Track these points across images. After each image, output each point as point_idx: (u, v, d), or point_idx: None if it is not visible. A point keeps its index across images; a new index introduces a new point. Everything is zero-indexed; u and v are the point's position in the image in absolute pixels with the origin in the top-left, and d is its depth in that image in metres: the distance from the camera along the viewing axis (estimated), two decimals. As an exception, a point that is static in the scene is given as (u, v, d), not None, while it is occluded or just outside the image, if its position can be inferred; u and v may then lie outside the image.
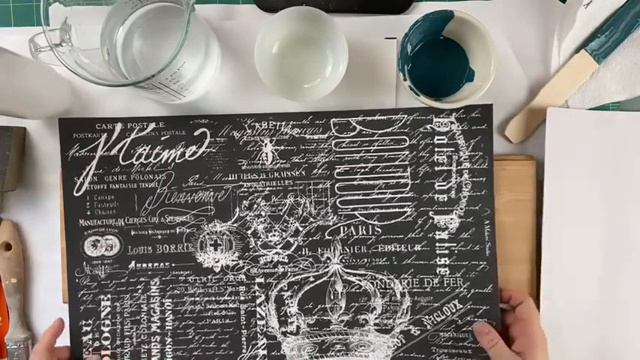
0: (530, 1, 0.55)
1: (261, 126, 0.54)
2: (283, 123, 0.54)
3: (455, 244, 0.54)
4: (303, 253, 0.54)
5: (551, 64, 0.55)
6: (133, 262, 0.54)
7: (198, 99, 0.55)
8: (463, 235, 0.54)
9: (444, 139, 0.54)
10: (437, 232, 0.54)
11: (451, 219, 0.54)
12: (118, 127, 0.54)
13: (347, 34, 0.50)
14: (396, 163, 0.54)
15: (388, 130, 0.54)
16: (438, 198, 0.54)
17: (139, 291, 0.54)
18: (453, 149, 0.54)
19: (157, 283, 0.54)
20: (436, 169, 0.54)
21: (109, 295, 0.54)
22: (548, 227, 0.53)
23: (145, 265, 0.54)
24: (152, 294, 0.54)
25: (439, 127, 0.53)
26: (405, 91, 0.54)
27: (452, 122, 0.53)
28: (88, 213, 0.54)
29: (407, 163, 0.54)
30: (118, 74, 0.50)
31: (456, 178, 0.54)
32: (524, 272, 0.55)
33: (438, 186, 0.54)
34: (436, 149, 0.54)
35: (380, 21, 0.55)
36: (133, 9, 0.51)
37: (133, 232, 0.54)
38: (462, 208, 0.54)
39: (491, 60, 0.49)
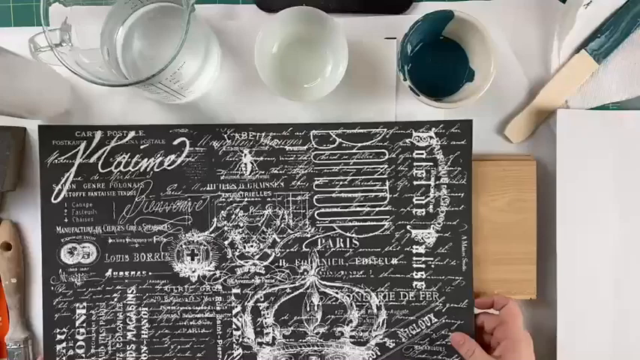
0: (530, 1, 0.55)
1: (240, 136, 0.54)
2: (263, 134, 0.54)
3: (432, 259, 0.54)
4: (280, 264, 0.54)
5: (551, 64, 0.55)
6: (110, 270, 0.54)
7: (198, 99, 0.55)
8: (440, 249, 0.54)
9: (422, 154, 0.54)
10: (414, 246, 0.54)
11: (428, 233, 0.54)
12: (98, 134, 0.54)
13: (347, 34, 0.50)
14: (375, 176, 0.54)
15: (368, 143, 0.54)
16: (416, 212, 0.54)
17: (115, 299, 0.54)
18: (431, 164, 0.54)
19: (134, 292, 0.54)
20: (415, 183, 0.54)
21: (84, 303, 0.54)
22: (562, 230, 0.53)
23: (121, 273, 0.54)
24: (128, 302, 0.54)
25: (418, 141, 0.53)
26: (405, 91, 0.54)
27: (431, 137, 0.54)
28: (66, 220, 0.54)
29: (385, 176, 0.54)
30: (118, 74, 0.50)
31: (434, 193, 0.54)
32: (525, 272, 0.54)
33: (417, 200, 0.54)
34: (415, 163, 0.54)
35: (380, 21, 0.55)
36: (133, 9, 0.51)
37: (110, 240, 0.54)
38: (439, 223, 0.54)
39: (491, 60, 0.49)
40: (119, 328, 0.54)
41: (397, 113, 0.56)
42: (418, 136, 0.53)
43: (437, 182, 0.54)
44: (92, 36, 0.49)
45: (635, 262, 0.54)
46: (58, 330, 0.54)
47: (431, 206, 0.54)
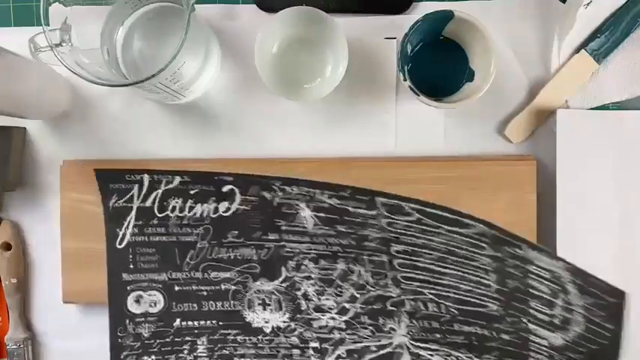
0: (530, 1, 0.55)
1: (292, 190, 0.50)
2: (317, 191, 0.50)
3: (557, 353, 0.47)
4: (362, 320, 0.49)
5: (551, 64, 0.55)
6: (178, 320, 0.50)
7: (198, 99, 0.55)
8: (569, 353, 0.47)
9: (545, 274, 0.46)
10: (533, 337, 0.47)
11: (554, 337, 0.47)
12: (146, 179, 0.51)
13: (347, 34, 0.50)
14: (475, 264, 0.47)
15: (459, 230, 0.48)
16: (536, 315, 0.47)
17: (185, 351, 0.50)
18: (559, 288, 0.46)
19: (205, 343, 0.50)
20: (533, 292, 0.47)
21: (153, 357, 0.50)
22: (562, 230, 0.53)
23: (190, 322, 0.50)
24: (200, 354, 0.50)
25: (539, 261, 0.46)
26: (405, 91, 0.54)
27: (558, 267, 0.46)
28: (131, 266, 0.51)
29: (489, 269, 0.47)
30: (118, 74, 0.50)
31: (563, 313, 0.46)
32: (524, 272, 0.55)
33: (536, 306, 0.47)
34: (532, 276, 0.46)
35: (380, 21, 0.55)
36: (133, 9, 0.51)
37: (176, 288, 0.50)
38: (569, 338, 0.46)
39: (491, 60, 0.49)
40: None
41: (397, 113, 0.56)
42: (538, 265, 0.46)
43: (567, 306, 0.46)
44: (92, 36, 0.49)
45: (635, 262, 0.54)
46: None
47: (557, 320, 0.46)
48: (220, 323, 0.50)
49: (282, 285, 0.50)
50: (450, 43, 0.53)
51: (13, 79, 0.46)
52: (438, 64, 0.53)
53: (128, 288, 0.51)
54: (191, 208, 0.50)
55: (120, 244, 0.50)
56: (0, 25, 0.56)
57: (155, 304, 0.50)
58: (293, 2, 0.51)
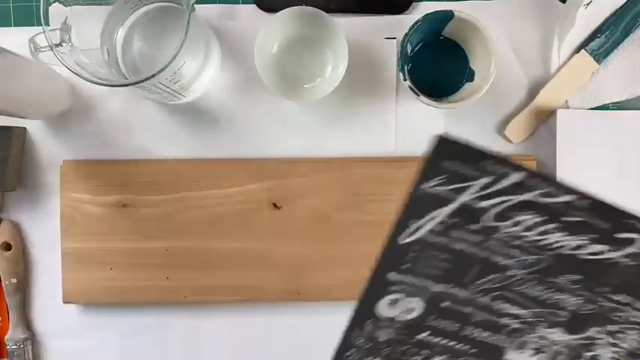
0: (530, 1, 0.55)
1: None
2: None
3: None
4: None
5: (551, 64, 0.55)
6: (425, 334, 0.43)
7: (198, 99, 0.55)
8: None
9: None
10: None
11: None
12: (514, 177, 0.38)
13: (347, 34, 0.50)
14: None
15: None
16: None
17: None
18: None
19: None
20: None
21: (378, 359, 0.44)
22: None
23: (437, 339, 0.43)
24: None
25: None
26: (405, 91, 0.54)
27: None
28: (405, 267, 0.41)
29: None
30: (118, 74, 0.50)
31: None
32: (525, 272, 0.54)
33: None
34: None
35: (380, 21, 0.55)
36: (133, 9, 0.51)
37: (446, 303, 0.42)
38: None
39: (491, 60, 0.49)
40: None
41: (397, 113, 0.56)
42: None
43: None
44: (92, 36, 0.49)
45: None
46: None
47: None
48: (472, 351, 0.43)
49: (577, 341, 0.42)
50: (450, 43, 0.53)
51: (13, 79, 0.46)
52: (438, 64, 0.53)
53: (389, 289, 0.42)
54: (543, 233, 0.39)
55: (405, 238, 0.40)
56: (0, 25, 0.57)
57: (410, 311, 0.43)
58: (293, 2, 0.51)
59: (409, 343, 0.43)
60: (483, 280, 0.41)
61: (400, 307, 0.42)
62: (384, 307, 0.42)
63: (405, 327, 0.43)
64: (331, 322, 0.56)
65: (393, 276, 0.41)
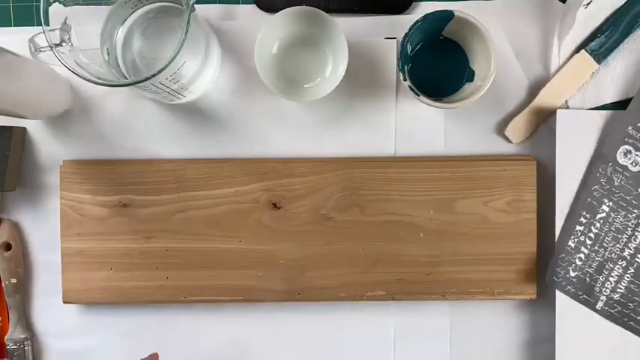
0: (530, 1, 0.55)
1: None
2: None
3: None
4: None
5: (551, 64, 0.55)
6: None
7: (198, 99, 0.55)
8: None
9: None
10: None
11: None
12: None
13: (347, 34, 0.50)
14: None
15: None
16: None
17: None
18: None
19: None
20: None
21: (610, 204, 0.50)
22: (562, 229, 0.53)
23: None
24: None
25: None
26: (405, 91, 0.54)
27: None
28: None
29: None
30: (118, 74, 0.50)
31: None
32: (525, 272, 0.55)
33: None
34: None
35: (380, 21, 0.55)
36: (133, 9, 0.51)
37: None
38: None
39: (491, 60, 0.49)
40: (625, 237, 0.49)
41: (397, 113, 0.56)
42: None
43: None
44: (92, 36, 0.49)
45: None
46: (583, 213, 0.50)
47: None
48: None
49: None
50: (450, 43, 0.53)
51: (13, 79, 0.46)
52: (438, 64, 0.53)
53: (626, 140, 0.50)
54: None
55: None
56: (0, 25, 0.57)
57: (635, 164, 0.51)
58: (293, 2, 0.51)
59: (633, 195, 0.49)
60: None
61: (630, 158, 0.49)
62: (620, 155, 0.50)
63: (632, 177, 0.50)
64: (331, 322, 0.57)
65: (630, 130, 0.50)
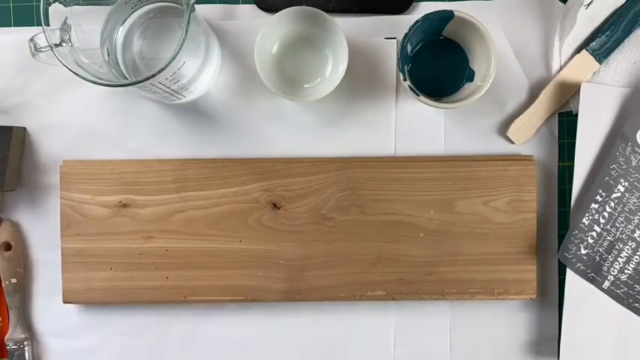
0: (530, 1, 0.55)
1: None
2: None
3: None
4: None
5: (552, 64, 0.55)
6: None
7: (198, 99, 0.55)
8: None
9: None
10: None
11: None
12: None
13: (347, 34, 0.50)
14: None
15: None
16: None
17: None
18: None
19: None
20: None
21: (626, 184, 0.50)
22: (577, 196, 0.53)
23: None
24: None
25: None
26: (405, 91, 0.54)
27: None
28: None
29: None
30: (118, 74, 0.50)
31: None
32: (525, 272, 0.54)
33: None
34: None
35: (380, 21, 0.55)
36: (133, 9, 0.51)
37: None
38: None
39: (492, 60, 0.49)
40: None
41: (397, 113, 0.56)
42: None
43: None
44: (92, 36, 0.49)
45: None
46: (599, 191, 0.50)
47: None
48: None
49: None
50: (449, 43, 0.53)
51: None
52: (438, 64, 0.53)
53: None
54: None
55: None
56: (0, 25, 0.57)
57: None
58: (293, 2, 0.51)
59: None
60: None
61: None
62: (639, 135, 0.49)
63: None
64: (331, 322, 0.57)
65: None
